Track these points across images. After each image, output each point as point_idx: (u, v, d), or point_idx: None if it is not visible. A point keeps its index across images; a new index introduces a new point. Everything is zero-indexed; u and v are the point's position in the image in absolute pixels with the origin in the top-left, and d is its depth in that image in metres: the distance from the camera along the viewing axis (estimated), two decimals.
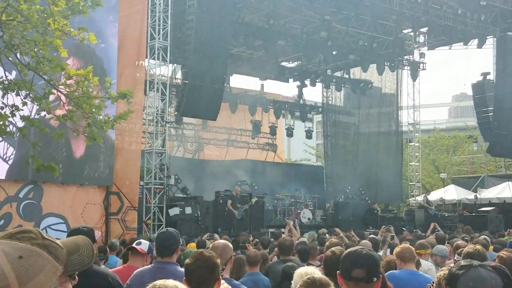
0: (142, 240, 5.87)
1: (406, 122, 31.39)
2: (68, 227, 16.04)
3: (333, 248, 4.79)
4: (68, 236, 4.44)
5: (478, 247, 5.70)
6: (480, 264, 2.42)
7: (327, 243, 6.55)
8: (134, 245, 5.71)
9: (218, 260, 3.61)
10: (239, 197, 21.25)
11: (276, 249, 7.85)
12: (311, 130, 31.45)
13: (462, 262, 2.48)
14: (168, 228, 5.30)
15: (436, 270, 6.99)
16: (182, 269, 5.01)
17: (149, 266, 5.12)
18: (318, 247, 8.89)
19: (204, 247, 9.21)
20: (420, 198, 29.89)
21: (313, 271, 3.60)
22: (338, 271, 3.22)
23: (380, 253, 8.77)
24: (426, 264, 7.33)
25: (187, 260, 3.62)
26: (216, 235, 13.15)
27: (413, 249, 6.42)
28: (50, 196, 16.23)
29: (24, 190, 15.87)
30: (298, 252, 7.82)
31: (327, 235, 12.85)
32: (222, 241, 5.30)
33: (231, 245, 5.13)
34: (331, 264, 4.12)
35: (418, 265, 6.66)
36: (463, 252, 5.79)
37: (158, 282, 2.84)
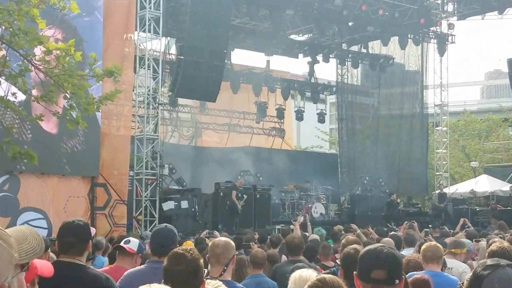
0: (131, 238, 5.88)
1: (432, 104, 31.29)
2: (49, 223, 16.11)
3: (355, 245, 4.78)
4: (59, 231, 4.45)
5: (505, 244, 5.68)
6: (508, 264, 2.39)
7: (343, 241, 6.55)
8: (122, 243, 5.71)
9: (201, 261, 3.58)
10: (242, 189, 21.27)
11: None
12: (323, 113, 31.39)
13: (488, 262, 2.46)
14: (166, 224, 5.29)
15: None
16: None
17: (143, 267, 5.12)
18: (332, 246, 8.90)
19: (203, 246, 9.25)
20: (447, 190, 29.87)
21: (310, 275, 3.59)
22: (355, 272, 3.21)
23: (404, 252, 8.75)
24: (461, 266, 7.29)
25: (165, 262, 3.59)
26: (216, 232, 13.19)
27: (439, 247, 6.41)
28: (28, 188, 16.26)
29: None
30: (304, 250, 7.83)
31: (342, 232, 12.89)
32: (223, 238, 5.29)
33: (233, 244, 5.13)
34: (352, 264, 4.12)
35: (444, 266, 6.66)
36: (488, 250, 5.77)
37: (154, 286, 2.85)
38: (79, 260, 4.42)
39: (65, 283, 4.28)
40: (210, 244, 5.22)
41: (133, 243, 5.69)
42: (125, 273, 5.10)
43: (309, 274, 3.43)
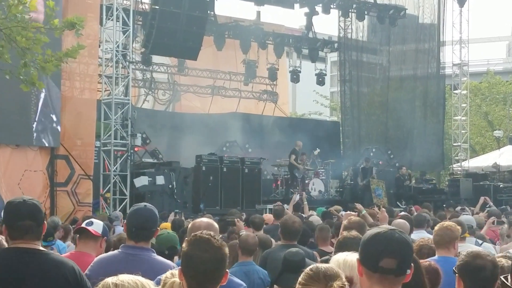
0: (94, 220, 5.88)
1: (451, 63, 31.31)
2: (1, 201, 16.07)
3: (352, 232, 4.80)
4: (10, 213, 4.41)
5: None
6: None
7: (344, 222, 6.55)
8: (84, 225, 5.71)
9: (227, 250, 3.60)
10: (227, 162, 21.31)
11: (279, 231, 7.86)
12: (323, 74, 31.32)
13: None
14: (145, 203, 5.27)
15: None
16: (160, 258, 5.03)
17: (116, 252, 5.13)
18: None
19: (182, 228, 9.26)
20: (466, 164, 30.05)
21: (353, 259, 3.58)
22: (357, 258, 3.21)
23: (413, 235, 8.77)
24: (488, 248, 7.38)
25: (186, 247, 3.58)
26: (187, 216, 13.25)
27: (450, 230, 6.44)
28: None
29: None
30: None
31: (342, 212, 12.92)
32: (205, 219, 5.29)
33: (216, 225, 5.13)
34: (344, 250, 4.13)
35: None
36: None
37: (124, 277, 2.85)
38: (38, 245, 4.41)
39: (27, 273, 4.27)
40: (189, 226, 5.22)
41: (96, 225, 5.69)
42: (96, 259, 5.11)
43: (355, 258, 3.42)
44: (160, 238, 6.68)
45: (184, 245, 3.58)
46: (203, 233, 3.60)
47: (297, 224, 7.71)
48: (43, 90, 15.88)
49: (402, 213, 13.03)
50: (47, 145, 17.35)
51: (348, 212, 8.76)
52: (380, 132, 30.11)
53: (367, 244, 3.18)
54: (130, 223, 5.09)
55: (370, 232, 3.24)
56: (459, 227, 6.61)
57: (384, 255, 3.10)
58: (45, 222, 4.56)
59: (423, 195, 25.01)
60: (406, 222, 8.75)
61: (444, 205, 19.21)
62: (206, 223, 5.05)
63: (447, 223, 6.73)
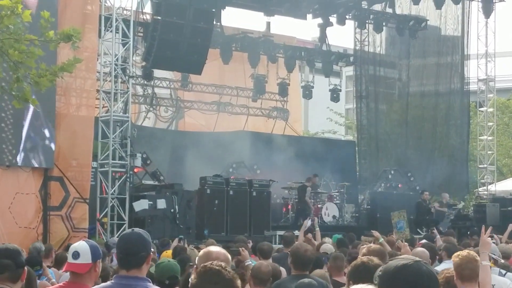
0: (79, 247, 5.50)
1: (476, 78, 31.24)
2: None
3: (369, 257, 4.77)
4: None
5: None
6: None
7: (363, 250, 6.56)
8: (70, 260, 5.45)
9: (239, 282, 3.59)
10: (234, 184, 21.30)
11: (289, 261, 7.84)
12: (338, 89, 31.35)
13: None
14: (133, 228, 5.28)
15: None
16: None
17: (109, 283, 5.10)
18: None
19: (184, 257, 9.25)
20: (493, 188, 29.91)
21: None
22: None
23: (438, 267, 8.77)
24: (505, 283, 7.33)
25: (194, 279, 3.57)
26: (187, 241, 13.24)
27: (478, 260, 6.42)
28: None
29: None
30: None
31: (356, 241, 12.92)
32: (217, 248, 5.30)
33: (228, 255, 5.15)
34: (363, 278, 4.12)
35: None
36: None
37: None
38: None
39: None
40: (200, 254, 5.22)
41: (84, 255, 5.39)
42: None
43: None
44: (160, 267, 6.67)
45: (192, 276, 3.57)
46: (213, 264, 3.58)
47: (309, 253, 7.66)
48: None
49: (423, 241, 12.99)
50: (36, 165, 17.31)
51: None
52: (399, 153, 30.03)
53: (392, 277, 3.16)
54: (118, 250, 5.08)
55: (395, 263, 3.21)
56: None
57: None
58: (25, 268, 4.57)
59: (447, 222, 24.90)
60: (425, 250, 8.77)
61: (469, 233, 19.14)
62: (217, 252, 5.06)
63: (467, 253, 6.64)
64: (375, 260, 5.17)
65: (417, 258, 3.23)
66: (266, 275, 7.01)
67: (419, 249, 9.18)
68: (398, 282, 3.12)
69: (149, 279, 5.05)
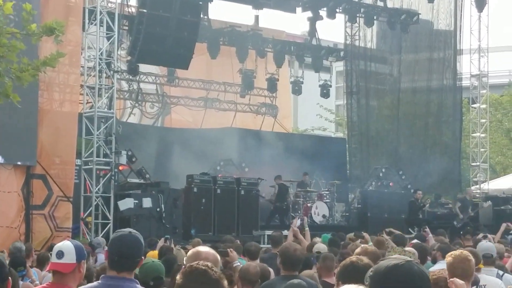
0: (63, 247, 5.49)
1: (468, 73, 31.34)
2: None
3: (359, 257, 4.76)
4: None
5: None
6: None
7: (357, 250, 6.55)
8: (53, 259, 5.44)
9: (226, 283, 3.56)
10: (221, 183, 21.28)
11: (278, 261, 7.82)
12: (328, 85, 31.37)
13: None
14: (130, 229, 5.22)
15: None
16: None
17: (96, 283, 5.09)
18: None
19: (171, 257, 9.21)
20: (486, 186, 29.99)
21: None
22: None
23: (433, 268, 8.78)
24: (496, 283, 7.34)
25: (180, 280, 3.54)
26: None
27: (471, 260, 6.43)
28: None
29: None
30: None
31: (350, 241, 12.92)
32: (206, 248, 5.28)
33: (217, 255, 5.13)
34: (352, 278, 4.11)
35: (476, 283, 6.71)
36: None
37: None
38: None
39: None
40: (188, 254, 5.20)
41: (68, 254, 5.38)
42: None
43: None
44: (144, 267, 6.62)
45: (178, 277, 3.55)
46: (199, 264, 3.56)
47: (298, 253, 7.66)
48: None
49: (415, 240, 12.99)
50: (19, 163, 17.24)
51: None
52: (391, 150, 30.08)
53: (383, 277, 3.14)
54: (112, 251, 5.05)
55: (386, 263, 3.19)
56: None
57: None
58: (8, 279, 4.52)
59: (438, 221, 24.92)
60: (415, 251, 8.83)
61: (461, 232, 19.13)
62: (206, 253, 5.06)
63: (460, 252, 6.66)
64: (365, 259, 5.18)
65: (409, 258, 3.23)
66: (255, 276, 7.00)
67: (407, 248, 9.24)
68: (389, 282, 3.11)
69: (137, 281, 5.07)
